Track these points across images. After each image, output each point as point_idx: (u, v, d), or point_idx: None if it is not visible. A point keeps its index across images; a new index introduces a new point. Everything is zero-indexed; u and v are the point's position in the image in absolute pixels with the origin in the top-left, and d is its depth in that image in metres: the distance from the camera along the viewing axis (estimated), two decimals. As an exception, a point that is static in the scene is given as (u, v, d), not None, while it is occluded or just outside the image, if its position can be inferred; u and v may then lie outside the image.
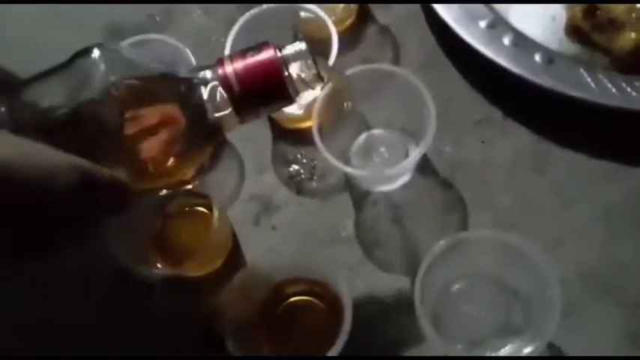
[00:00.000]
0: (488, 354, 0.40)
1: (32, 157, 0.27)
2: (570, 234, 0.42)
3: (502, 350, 0.39)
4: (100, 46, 0.31)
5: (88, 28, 0.57)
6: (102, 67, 0.30)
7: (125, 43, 0.47)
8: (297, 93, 0.33)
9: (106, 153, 0.30)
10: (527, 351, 0.35)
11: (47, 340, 0.46)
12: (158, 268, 0.43)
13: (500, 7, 0.47)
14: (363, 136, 0.46)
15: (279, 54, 0.32)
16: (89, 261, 0.46)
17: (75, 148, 0.28)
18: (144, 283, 0.45)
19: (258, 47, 0.32)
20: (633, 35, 0.43)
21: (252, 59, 0.31)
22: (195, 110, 0.32)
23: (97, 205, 0.30)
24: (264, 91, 0.31)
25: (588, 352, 0.39)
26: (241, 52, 0.32)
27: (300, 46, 0.32)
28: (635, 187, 0.42)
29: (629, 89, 0.41)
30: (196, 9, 0.56)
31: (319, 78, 0.33)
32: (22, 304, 0.46)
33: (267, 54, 0.31)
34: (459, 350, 0.39)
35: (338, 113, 0.44)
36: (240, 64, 0.31)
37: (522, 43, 0.44)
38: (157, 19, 0.56)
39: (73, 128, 0.30)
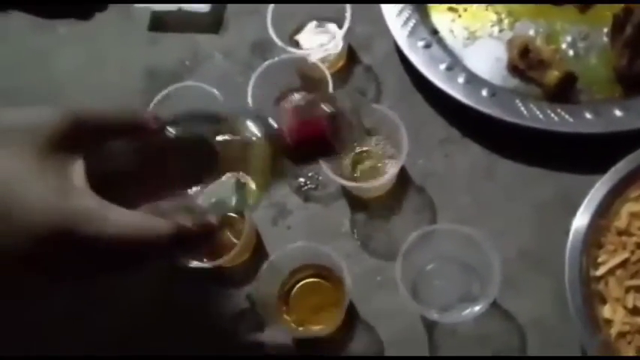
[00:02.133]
0: (454, 317, 0.53)
1: (143, 220, 0.33)
2: (512, 224, 0.55)
3: (464, 313, 0.52)
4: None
5: (128, 71, 0.70)
6: None
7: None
8: (343, 146, 0.36)
9: None
10: (477, 309, 0.49)
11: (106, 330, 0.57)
12: (204, 262, 0.56)
13: (457, 51, 0.61)
14: (353, 154, 0.59)
15: (328, 112, 0.35)
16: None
17: None
18: (192, 275, 0.59)
19: (310, 106, 0.35)
20: (556, 73, 0.56)
21: (303, 119, 0.35)
22: None
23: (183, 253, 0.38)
24: (314, 149, 0.36)
25: (525, 311, 0.53)
26: (293, 111, 0.35)
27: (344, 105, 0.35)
28: (560, 186, 0.55)
29: (552, 115, 0.54)
30: (217, 54, 0.69)
31: (365, 134, 0.39)
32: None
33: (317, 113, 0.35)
34: (433, 314, 0.52)
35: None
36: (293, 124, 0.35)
37: (473, 80, 0.57)
38: (187, 63, 0.69)
39: None
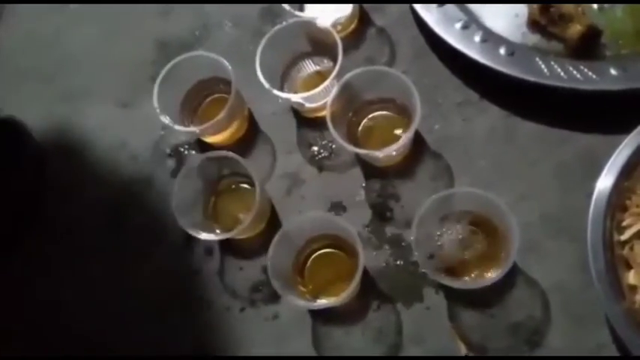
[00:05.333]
0: (473, 283, 0.51)
1: None
2: (534, 187, 0.53)
3: (483, 278, 0.51)
4: None
5: (138, 43, 0.69)
6: None
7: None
8: None
9: None
10: (495, 274, 0.47)
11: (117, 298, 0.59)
12: (217, 233, 0.56)
13: (473, 8, 0.58)
14: (366, 120, 0.58)
15: None
16: (159, 228, 0.60)
17: None
18: (204, 247, 0.59)
19: None
20: (579, 27, 0.53)
21: None
22: None
23: None
24: None
25: (548, 277, 0.51)
26: None
27: None
28: (583, 148, 0.53)
29: (574, 72, 0.51)
30: (227, 22, 0.68)
31: None
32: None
33: None
34: (452, 281, 0.50)
35: (347, 105, 0.56)
36: None
37: (490, 39, 0.55)
38: (197, 33, 0.68)
39: None
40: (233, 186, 0.59)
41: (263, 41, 0.57)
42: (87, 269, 0.61)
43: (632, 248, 0.46)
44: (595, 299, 0.46)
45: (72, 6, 0.73)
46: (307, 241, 0.55)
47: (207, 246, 0.59)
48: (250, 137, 0.62)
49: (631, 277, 0.45)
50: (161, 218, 0.60)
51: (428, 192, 0.55)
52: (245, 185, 0.59)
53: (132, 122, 0.66)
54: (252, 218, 0.54)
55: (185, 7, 0.69)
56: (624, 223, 0.47)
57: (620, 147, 0.49)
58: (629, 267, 0.46)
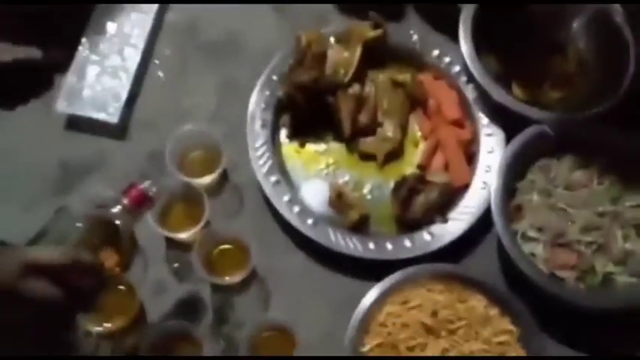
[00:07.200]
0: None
1: None
2: (321, 312, 0.83)
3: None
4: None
5: (43, 161, 0.89)
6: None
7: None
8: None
9: None
10: None
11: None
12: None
13: (297, 186, 0.88)
14: (217, 252, 0.84)
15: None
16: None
17: None
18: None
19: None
20: (357, 214, 0.86)
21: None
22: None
23: None
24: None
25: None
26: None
27: None
28: (353, 289, 0.83)
29: (350, 242, 0.84)
30: (120, 157, 0.90)
31: None
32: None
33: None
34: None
35: (208, 242, 0.82)
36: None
37: (304, 211, 0.85)
38: (95, 161, 0.89)
39: None
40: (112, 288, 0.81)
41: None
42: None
43: (368, 357, 0.78)
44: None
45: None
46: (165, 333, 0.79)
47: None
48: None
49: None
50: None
51: (254, 306, 0.83)
52: (122, 288, 0.81)
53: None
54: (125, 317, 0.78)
55: (87, 137, 0.91)
56: (365, 341, 0.79)
57: (371, 291, 0.81)
58: (368, 368, 0.78)
